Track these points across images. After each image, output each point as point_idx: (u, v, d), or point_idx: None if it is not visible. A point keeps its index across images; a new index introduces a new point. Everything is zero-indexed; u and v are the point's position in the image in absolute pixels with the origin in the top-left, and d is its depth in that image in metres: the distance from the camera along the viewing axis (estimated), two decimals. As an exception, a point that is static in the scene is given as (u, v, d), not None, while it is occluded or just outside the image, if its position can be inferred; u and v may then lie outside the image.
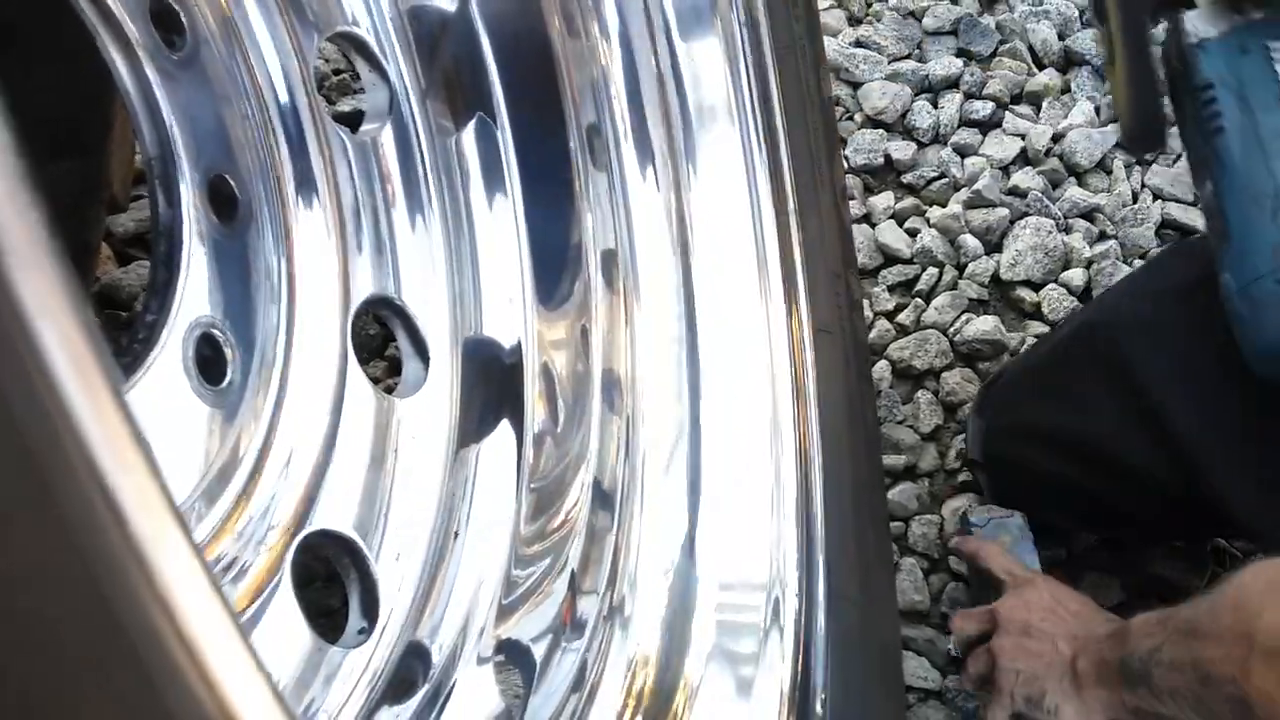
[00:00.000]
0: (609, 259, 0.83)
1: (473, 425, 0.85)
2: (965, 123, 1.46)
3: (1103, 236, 1.39)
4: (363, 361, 0.86)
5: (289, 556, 0.70)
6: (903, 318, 1.34)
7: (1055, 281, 1.35)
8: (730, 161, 0.87)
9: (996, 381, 1.22)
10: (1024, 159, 1.45)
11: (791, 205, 0.90)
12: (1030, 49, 1.54)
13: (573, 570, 0.76)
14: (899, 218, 1.41)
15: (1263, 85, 0.73)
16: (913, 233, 1.39)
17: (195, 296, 0.76)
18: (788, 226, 0.91)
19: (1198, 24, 0.75)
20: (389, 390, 0.86)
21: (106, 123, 1.01)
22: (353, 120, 0.91)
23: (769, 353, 0.90)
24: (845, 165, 1.42)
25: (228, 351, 0.76)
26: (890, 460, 1.24)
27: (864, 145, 1.44)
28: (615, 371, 0.87)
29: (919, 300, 1.35)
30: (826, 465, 0.88)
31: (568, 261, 0.86)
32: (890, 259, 1.38)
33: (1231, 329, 0.78)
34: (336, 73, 1.33)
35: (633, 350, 0.87)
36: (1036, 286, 1.35)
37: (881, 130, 1.46)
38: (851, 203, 1.40)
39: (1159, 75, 0.78)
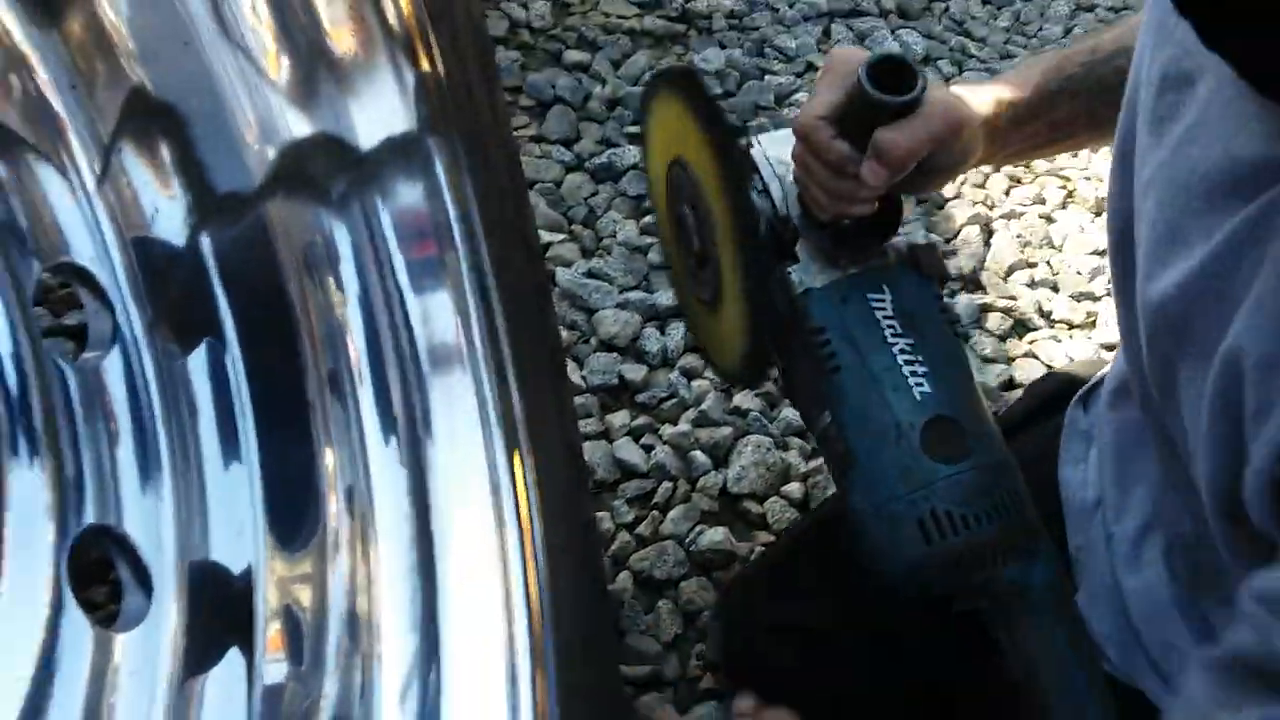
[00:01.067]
0: (350, 495, 0.85)
1: (197, 658, 0.82)
2: (690, 348, 1.59)
3: (815, 453, 1.53)
4: (83, 587, 0.82)
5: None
6: (642, 529, 1.41)
7: (777, 494, 1.46)
8: (463, 401, 0.91)
9: (733, 586, 1.28)
10: (745, 380, 1.58)
11: (523, 433, 0.95)
12: (746, 281, 1.71)
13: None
14: (634, 434, 1.49)
15: (867, 329, 0.79)
16: (648, 448, 1.48)
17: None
18: (519, 454, 0.95)
19: (803, 275, 0.80)
20: (109, 621, 0.82)
21: None
22: (80, 334, 0.90)
23: (504, 578, 0.92)
24: (584, 385, 1.51)
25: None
26: (634, 671, 1.27)
27: (599, 367, 1.53)
28: (355, 608, 0.86)
29: (656, 512, 1.42)
30: (565, 688, 0.90)
31: (307, 498, 0.87)
32: (628, 473, 1.46)
33: (862, 552, 0.81)
34: (63, 285, 1.29)
35: (371, 585, 0.87)
36: (761, 499, 1.46)
37: (615, 353, 1.56)
38: (590, 420, 1.48)
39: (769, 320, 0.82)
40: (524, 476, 0.95)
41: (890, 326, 0.79)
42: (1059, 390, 1.08)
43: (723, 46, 2.10)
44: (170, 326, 0.90)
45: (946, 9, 2.41)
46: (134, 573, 0.85)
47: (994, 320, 1.85)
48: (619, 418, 1.50)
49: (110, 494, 0.85)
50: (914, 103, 0.74)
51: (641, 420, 1.51)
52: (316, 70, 0.84)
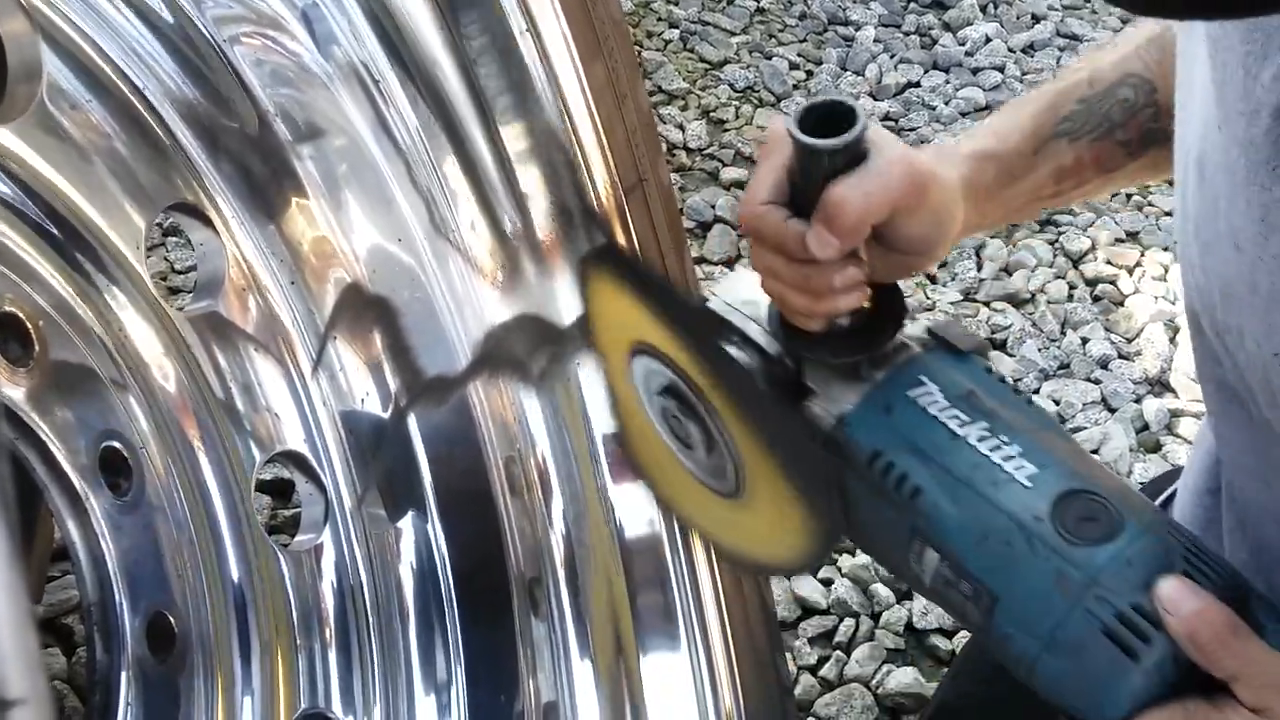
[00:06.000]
0: (550, 712, 0.84)
1: None
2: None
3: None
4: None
5: None
6: (826, 671, 1.36)
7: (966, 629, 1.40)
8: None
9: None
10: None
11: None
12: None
13: None
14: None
15: (929, 431, 0.64)
16: (826, 583, 1.44)
17: (126, 747, 0.73)
18: (721, 619, 0.93)
19: (827, 405, 0.66)
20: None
21: (30, 529, 1.01)
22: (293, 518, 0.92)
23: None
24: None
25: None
26: (826, 829, 1.22)
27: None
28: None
29: (840, 653, 1.37)
30: None
31: (506, 680, 0.86)
32: (808, 610, 1.41)
33: (1055, 701, 0.62)
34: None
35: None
36: (949, 633, 1.40)
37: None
38: (767, 553, 1.44)
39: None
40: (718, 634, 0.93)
41: (953, 417, 0.64)
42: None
43: (880, 150, 2.08)
44: (378, 501, 0.91)
45: (1109, 94, 2.33)
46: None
47: (1186, 426, 1.75)
48: (796, 547, 1.47)
49: (320, 676, 0.87)
50: (856, 145, 0.61)
51: (819, 550, 1.46)
52: (520, 257, 0.85)
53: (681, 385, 0.68)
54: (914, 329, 0.68)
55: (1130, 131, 0.73)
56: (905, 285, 1.82)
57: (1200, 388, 0.71)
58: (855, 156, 0.61)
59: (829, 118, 0.60)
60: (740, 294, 0.70)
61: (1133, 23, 0.81)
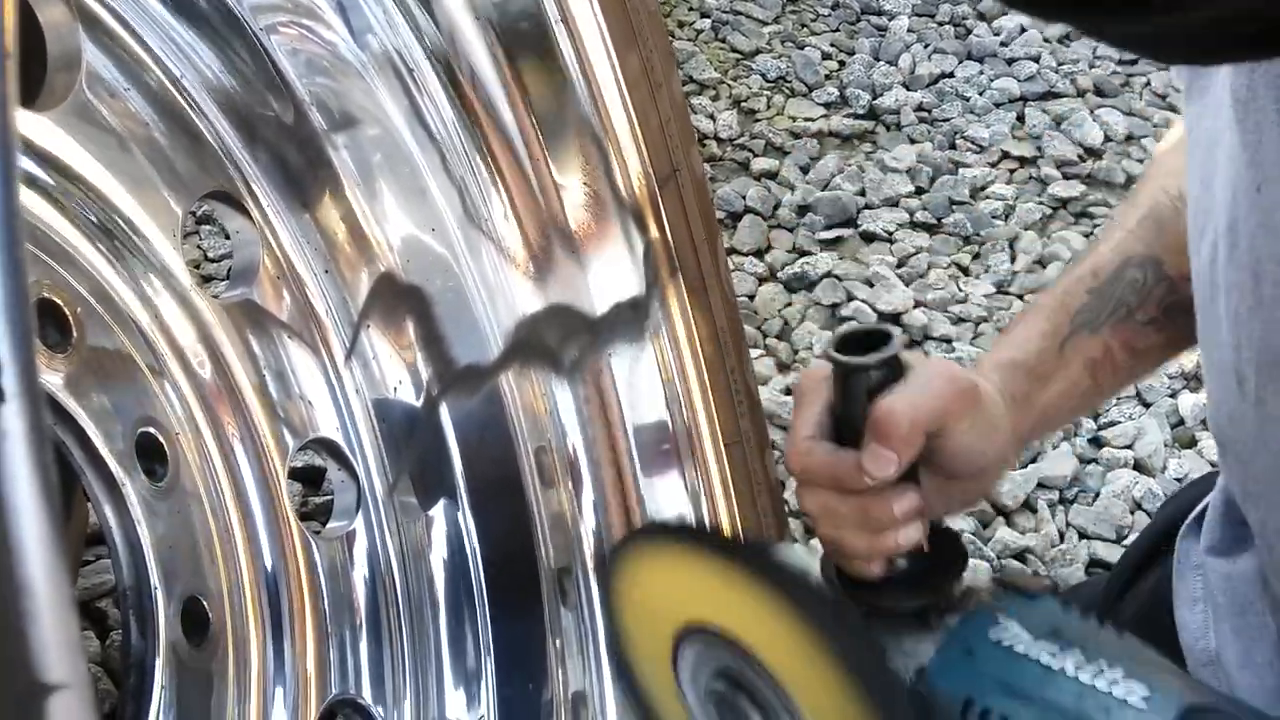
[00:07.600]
0: (579, 701, 0.84)
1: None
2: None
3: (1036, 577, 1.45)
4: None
5: None
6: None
7: (996, 622, 1.39)
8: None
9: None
10: (953, 496, 1.51)
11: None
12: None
13: None
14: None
15: (1020, 668, 0.60)
16: (856, 575, 1.43)
17: (161, 729, 0.74)
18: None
19: (904, 659, 0.62)
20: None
21: (67, 513, 1.02)
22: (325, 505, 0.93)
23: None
24: (786, 508, 1.47)
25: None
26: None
27: (803, 488, 1.50)
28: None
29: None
30: None
31: (534, 667, 0.87)
32: (836, 603, 1.41)
33: None
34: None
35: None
36: None
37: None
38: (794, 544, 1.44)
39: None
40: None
41: (1044, 651, 0.60)
42: (1178, 514, 0.87)
43: (912, 141, 2.06)
44: (409, 489, 0.92)
45: (1148, 83, 2.30)
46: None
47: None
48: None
49: (351, 663, 0.87)
50: (895, 361, 0.61)
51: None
52: (552, 246, 0.85)
53: (740, 664, 0.63)
54: (977, 580, 0.65)
55: (1150, 310, 0.74)
56: (937, 276, 1.81)
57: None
58: (895, 374, 0.61)
59: (863, 344, 0.62)
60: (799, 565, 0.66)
61: (1126, 201, 0.81)
